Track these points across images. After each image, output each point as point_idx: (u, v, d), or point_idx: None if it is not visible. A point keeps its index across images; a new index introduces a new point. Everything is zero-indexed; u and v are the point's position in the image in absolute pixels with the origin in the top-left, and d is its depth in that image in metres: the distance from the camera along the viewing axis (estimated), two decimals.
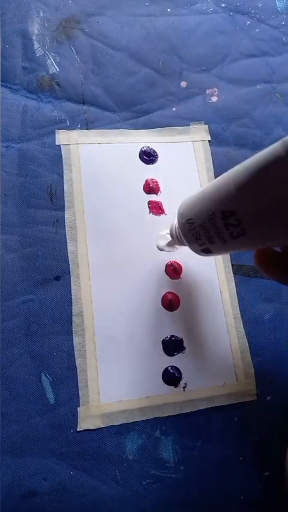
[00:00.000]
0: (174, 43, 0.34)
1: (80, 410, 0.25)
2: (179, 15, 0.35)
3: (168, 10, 0.35)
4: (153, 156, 0.31)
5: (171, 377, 0.26)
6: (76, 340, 0.26)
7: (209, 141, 0.32)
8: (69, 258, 0.28)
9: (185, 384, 0.26)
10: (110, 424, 0.25)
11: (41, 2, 0.33)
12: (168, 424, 0.25)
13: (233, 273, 0.29)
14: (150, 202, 0.30)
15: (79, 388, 0.25)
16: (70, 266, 0.27)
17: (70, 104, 0.31)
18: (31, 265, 0.27)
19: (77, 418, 0.25)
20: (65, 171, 0.29)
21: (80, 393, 0.25)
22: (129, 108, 0.32)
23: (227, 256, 0.29)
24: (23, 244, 0.28)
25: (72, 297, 0.27)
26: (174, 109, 0.33)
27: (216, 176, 0.31)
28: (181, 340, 0.27)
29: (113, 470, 0.24)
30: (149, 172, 0.31)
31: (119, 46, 0.33)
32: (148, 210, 0.30)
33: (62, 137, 0.30)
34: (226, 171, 0.32)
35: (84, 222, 0.29)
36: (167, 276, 0.28)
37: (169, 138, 0.32)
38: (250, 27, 0.36)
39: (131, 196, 0.30)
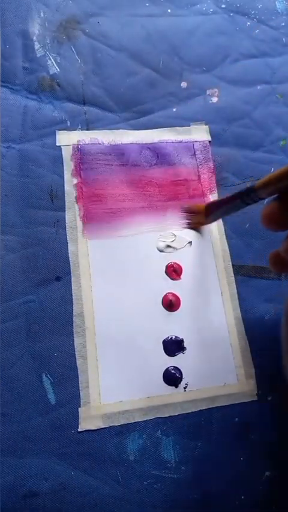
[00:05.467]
0: (175, 44, 0.34)
1: (81, 410, 0.25)
2: (180, 16, 0.35)
3: (169, 11, 0.35)
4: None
5: (172, 377, 0.26)
6: (77, 340, 0.26)
7: (209, 141, 0.32)
8: (69, 259, 0.28)
9: (186, 384, 0.26)
10: (110, 425, 0.25)
11: (41, 3, 0.33)
12: (169, 425, 0.25)
13: (234, 274, 0.29)
14: None
15: (80, 388, 0.25)
16: (71, 266, 0.27)
17: (71, 104, 0.31)
18: (32, 265, 0.27)
19: (77, 418, 0.25)
20: (65, 172, 0.29)
21: (80, 393, 0.25)
22: (130, 109, 0.32)
23: (228, 256, 0.29)
24: (24, 245, 0.28)
25: (72, 297, 0.27)
26: (174, 109, 0.33)
27: (217, 175, 0.31)
28: (182, 341, 0.27)
29: (114, 470, 0.24)
30: (150, 173, 0.31)
31: (120, 46, 0.33)
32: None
33: (63, 138, 0.30)
34: (226, 171, 0.32)
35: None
36: (168, 277, 0.28)
37: (169, 139, 0.32)
38: (250, 28, 0.36)
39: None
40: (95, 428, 0.25)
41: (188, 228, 0.29)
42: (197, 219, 0.29)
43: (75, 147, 0.30)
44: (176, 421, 0.25)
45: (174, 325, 0.27)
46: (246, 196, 0.22)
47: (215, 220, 0.29)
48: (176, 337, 0.27)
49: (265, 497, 0.25)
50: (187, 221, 0.29)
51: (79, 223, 0.28)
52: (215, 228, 0.30)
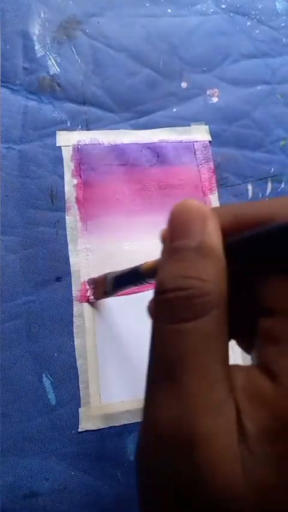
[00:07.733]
0: (175, 44, 0.34)
1: (81, 410, 0.25)
2: (180, 16, 0.35)
3: (169, 11, 0.35)
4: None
5: None
6: (77, 341, 0.26)
7: (209, 141, 0.32)
8: (69, 259, 0.28)
9: None
10: (111, 425, 0.25)
11: (41, 3, 0.33)
12: None
13: None
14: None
15: (80, 388, 0.25)
16: (71, 267, 0.27)
17: (71, 104, 0.31)
18: (32, 266, 0.27)
19: (78, 418, 0.25)
20: (65, 172, 0.29)
21: (81, 394, 0.25)
22: (130, 109, 0.32)
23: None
24: (24, 246, 0.28)
25: (73, 297, 0.27)
26: (174, 110, 0.33)
27: (217, 175, 0.31)
28: None
29: (114, 470, 0.24)
30: (150, 173, 0.31)
31: (120, 47, 0.33)
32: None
33: (63, 138, 0.30)
34: (226, 171, 0.32)
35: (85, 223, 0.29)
36: None
37: (169, 139, 0.32)
38: (250, 28, 0.36)
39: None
40: (95, 429, 0.25)
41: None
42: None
43: (76, 148, 0.30)
44: None
45: None
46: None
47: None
48: None
49: None
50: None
51: (79, 224, 0.28)
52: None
